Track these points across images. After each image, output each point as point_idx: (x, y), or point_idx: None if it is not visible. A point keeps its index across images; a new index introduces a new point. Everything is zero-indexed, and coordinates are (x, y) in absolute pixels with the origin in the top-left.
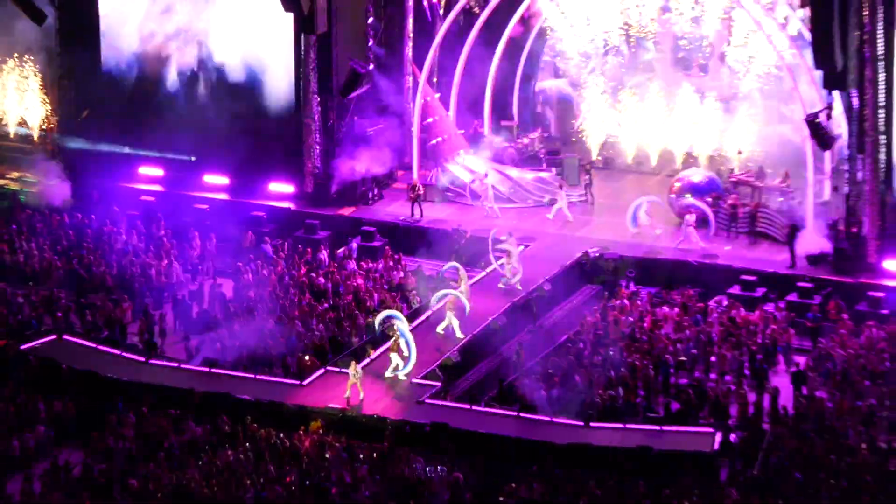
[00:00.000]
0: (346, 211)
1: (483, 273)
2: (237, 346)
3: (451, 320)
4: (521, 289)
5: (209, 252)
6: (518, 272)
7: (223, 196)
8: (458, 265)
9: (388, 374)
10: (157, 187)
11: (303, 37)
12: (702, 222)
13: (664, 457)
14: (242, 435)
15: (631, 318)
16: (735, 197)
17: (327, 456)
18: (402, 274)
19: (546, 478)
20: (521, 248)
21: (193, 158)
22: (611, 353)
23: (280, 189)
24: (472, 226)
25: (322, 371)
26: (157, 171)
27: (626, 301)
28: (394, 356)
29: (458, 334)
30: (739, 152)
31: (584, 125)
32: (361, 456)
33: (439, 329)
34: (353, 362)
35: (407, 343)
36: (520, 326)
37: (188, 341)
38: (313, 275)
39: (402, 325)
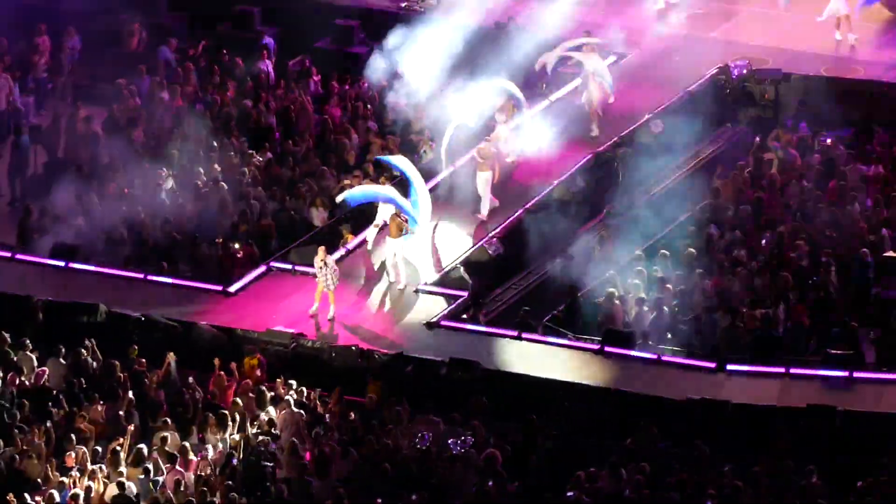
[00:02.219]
0: None
1: (545, 101)
2: (114, 223)
3: (484, 180)
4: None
5: (67, 60)
6: (607, 95)
7: None
8: (508, 87)
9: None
10: None
11: None
12: None
13: (855, 423)
14: (122, 378)
15: (802, 183)
16: None
17: (271, 416)
18: (403, 102)
19: (647, 457)
20: (611, 60)
21: None
22: (763, 242)
23: None
24: (523, 14)
25: (262, 269)
26: None
27: (792, 152)
28: (393, 247)
29: (485, 206)
30: None
31: None
32: (329, 417)
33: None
34: (321, 249)
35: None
36: (607, 196)
37: (30, 215)
38: (248, 102)
39: (411, 172)
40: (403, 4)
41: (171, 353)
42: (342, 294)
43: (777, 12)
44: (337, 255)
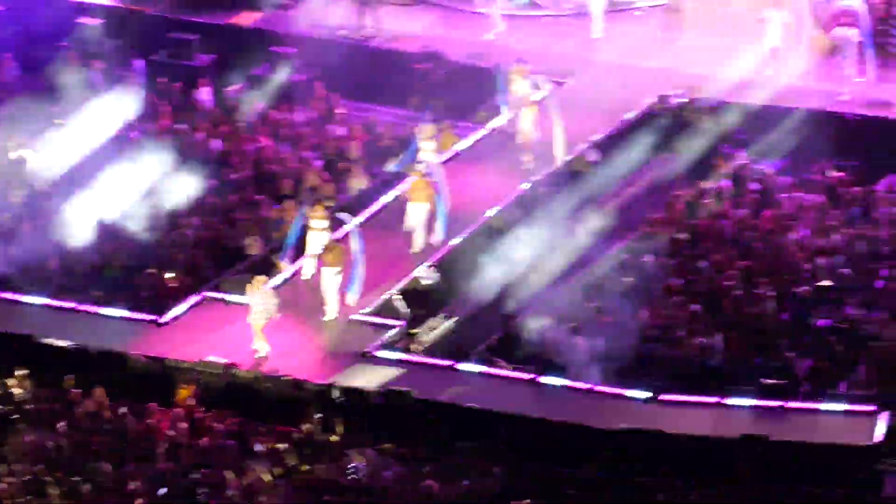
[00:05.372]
0: (246, 18)
1: (481, 132)
2: (45, 251)
3: (420, 215)
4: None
5: (4, 89)
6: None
7: None
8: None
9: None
10: None
11: None
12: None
13: (788, 452)
14: (55, 408)
15: (738, 212)
16: None
17: (202, 446)
18: (342, 131)
19: (583, 485)
20: (548, 87)
21: None
22: (701, 271)
23: None
24: (459, 47)
25: (197, 298)
26: None
27: (728, 182)
28: (328, 277)
29: (437, 236)
30: None
31: None
32: (261, 447)
33: (408, 226)
34: (257, 280)
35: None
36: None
37: None
38: (183, 126)
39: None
40: (341, 32)
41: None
42: (277, 324)
43: (715, 41)
44: (271, 284)
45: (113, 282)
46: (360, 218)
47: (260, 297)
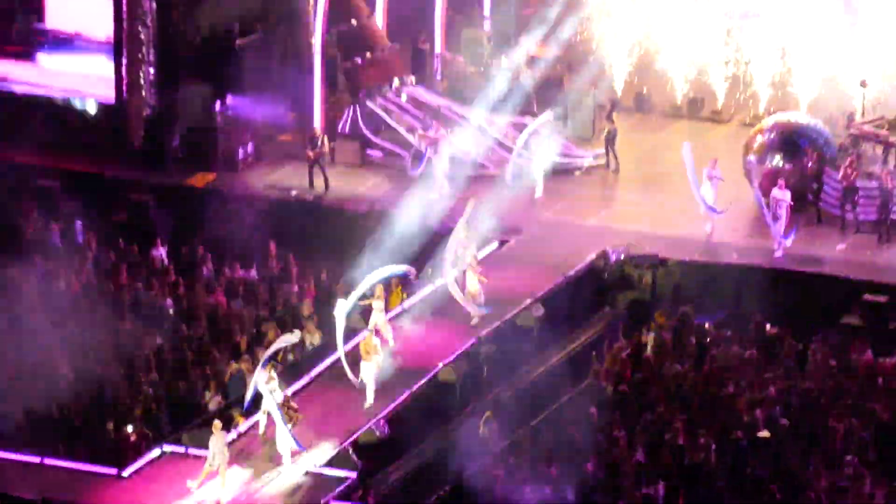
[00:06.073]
0: (200, 180)
1: (427, 289)
2: (7, 406)
3: (370, 370)
4: (490, 315)
5: None
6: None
7: None
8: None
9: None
10: None
11: None
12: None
13: None
14: None
15: (678, 366)
16: (854, 160)
17: None
18: (295, 288)
19: None
20: (493, 247)
21: None
22: (644, 422)
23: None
24: (406, 206)
25: (156, 452)
26: None
27: (667, 335)
28: (281, 435)
29: (371, 395)
30: (864, 84)
31: (602, 35)
32: None
33: (361, 378)
34: (217, 427)
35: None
36: (490, 379)
37: None
38: (140, 285)
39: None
40: (294, 192)
41: None
42: (231, 476)
43: (653, 199)
44: (229, 437)
45: (73, 435)
46: (316, 371)
47: (217, 443)
